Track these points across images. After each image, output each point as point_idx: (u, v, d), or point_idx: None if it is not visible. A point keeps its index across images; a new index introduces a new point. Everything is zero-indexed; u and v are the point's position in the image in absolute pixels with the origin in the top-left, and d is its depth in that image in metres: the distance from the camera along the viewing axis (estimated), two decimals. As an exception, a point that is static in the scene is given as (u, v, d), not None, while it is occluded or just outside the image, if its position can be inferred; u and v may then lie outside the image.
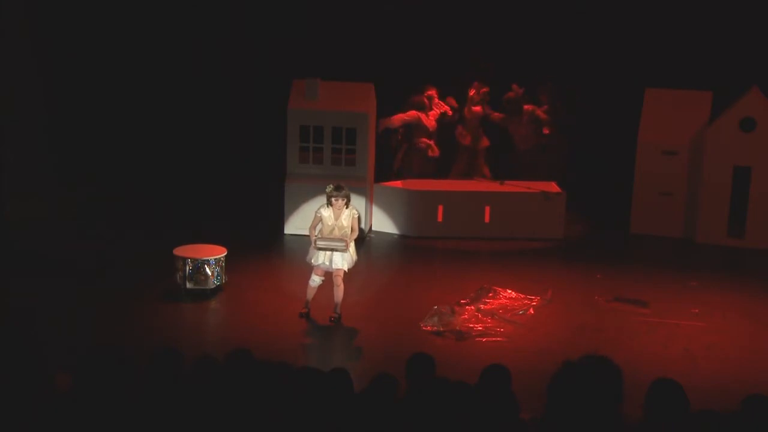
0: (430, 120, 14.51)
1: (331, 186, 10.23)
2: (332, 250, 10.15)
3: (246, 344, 6.92)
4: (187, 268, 10.79)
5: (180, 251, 10.93)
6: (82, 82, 14.81)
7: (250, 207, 14.20)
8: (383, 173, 14.22)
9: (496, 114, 14.94)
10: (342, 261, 10.20)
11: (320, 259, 10.20)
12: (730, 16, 14.53)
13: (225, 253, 11.03)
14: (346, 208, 10.19)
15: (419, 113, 14.47)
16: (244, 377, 5.61)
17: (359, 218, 10.41)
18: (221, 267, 10.98)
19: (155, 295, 10.87)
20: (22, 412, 5.12)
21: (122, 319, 10.15)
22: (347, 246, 10.16)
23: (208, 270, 10.85)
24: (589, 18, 15.11)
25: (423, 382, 5.80)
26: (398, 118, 14.49)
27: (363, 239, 10.67)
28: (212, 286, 10.93)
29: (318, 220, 10.24)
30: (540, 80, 14.80)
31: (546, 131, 14.67)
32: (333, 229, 10.19)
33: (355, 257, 10.38)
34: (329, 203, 10.18)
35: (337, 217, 10.17)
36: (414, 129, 14.58)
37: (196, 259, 10.83)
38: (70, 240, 12.59)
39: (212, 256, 10.93)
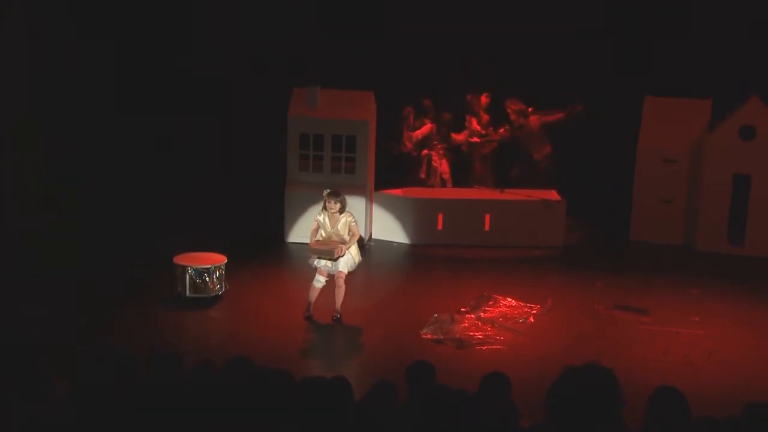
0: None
1: (328, 190, 10.47)
2: (323, 257, 10.28)
3: (246, 352, 6.91)
4: (188, 277, 10.80)
5: (180, 259, 10.94)
6: (82, 86, 14.82)
7: (250, 215, 14.20)
8: (383, 181, 14.21)
9: (500, 132, 14.96)
10: (343, 264, 10.35)
11: (321, 261, 10.37)
12: (730, 25, 14.54)
13: (225, 261, 11.04)
14: (341, 214, 10.28)
15: (431, 127, 14.57)
16: (244, 385, 5.61)
17: (356, 222, 10.49)
18: (221, 275, 10.99)
19: (156, 303, 10.86)
20: (21, 418, 5.12)
21: (123, 327, 10.15)
22: (337, 254, 10.24)
23: (208, 278, 10.85)
24: (589, 23, 15.12)
25: (423, 390, 5.80)
26: (414, 137, 14.54)
27: (363, 247, 10.70)
28: (212, 294, 10.94)
29: (317, 225, 10.41)
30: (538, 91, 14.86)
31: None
32: (331, 236, 10.32)
33: (357, 259, 10.53)
34: (324, 208, 10.34)
35: (333, 224, 10.33)
36: (422, 144, 14.65)
37: (197, 267, 10.83)
38: (70, 247, 12.59)
39: (213, 264, 10.93)
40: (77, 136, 14.76)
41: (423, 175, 14.58)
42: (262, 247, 12.96)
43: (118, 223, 13.72)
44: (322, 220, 10.36)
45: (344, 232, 10.33)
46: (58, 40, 14.32)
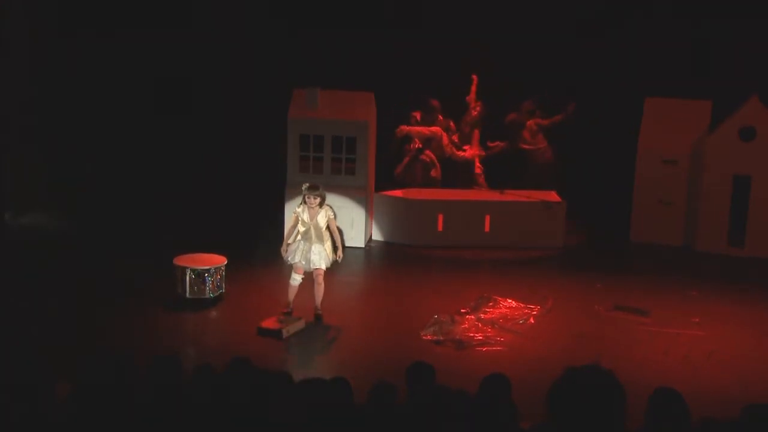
0: (445, 140, 14.65)
1: (307, 185, 10.46)
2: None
3: (246, 353, 6.92)
4: (188, 278, 10.79)
5: (180, 260, 10.93)
6: (82, 86, 14.82)
7: (250, 216, 14.19)
8: (384, 182, 14.21)
9: (497, 144, 15.04)
10: (320, 260, 10.35)
11: (297, 258, 10.39)
12: (729, 26, 14.54)
13: (225, 263, 11.04)
14: (320, 208, 10.30)
15: (442, 132, 14.56)
16: (244, 386, 5.61)
17: (335, 216, 10.47)
18: (221, 276, 10.98)
19: (155, 305, 10.86)
20: (22, 420, 5.12)
21: (122, 328, 10.14)
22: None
23: (208, 279, 10.85)
24: (590, 26, 15.12)
25: (423, 390, 5.80)
26: (418, 131, 14.52)
27: (344, 246, 10.76)
28: (212, 295, 10.93)
29: (296, 219, 10.42)
30: (539, 91, 14.85)
31: (542, 145, 14.79)
32: (309, 228, 10.34)
33: (332, 256, 10.49)
34: (303, 202, 10.35)
35: (312, 217, 10.35)
36: (426, 142, 14.63)
37: (197, 269, 10.83)
38: (70, 248, 12.59)
39: (212, 265, 10.93)
40: (77, 136, 14.76)
41: (399, 171, 14.54)
42: (262, 248, 12.95)
43: (118, 223, 13.72)
44: (301, 213, 10.37)
45: (323, 224, 10.36)
46: (58, 40, 14.33)
